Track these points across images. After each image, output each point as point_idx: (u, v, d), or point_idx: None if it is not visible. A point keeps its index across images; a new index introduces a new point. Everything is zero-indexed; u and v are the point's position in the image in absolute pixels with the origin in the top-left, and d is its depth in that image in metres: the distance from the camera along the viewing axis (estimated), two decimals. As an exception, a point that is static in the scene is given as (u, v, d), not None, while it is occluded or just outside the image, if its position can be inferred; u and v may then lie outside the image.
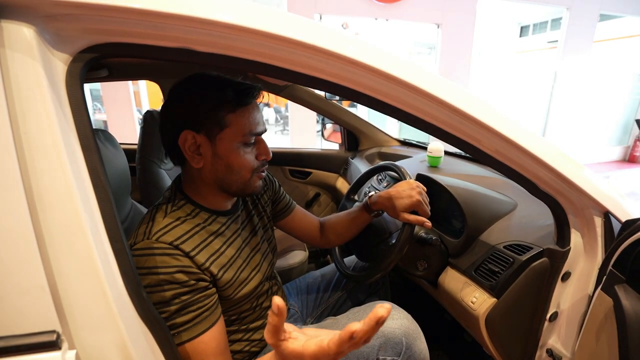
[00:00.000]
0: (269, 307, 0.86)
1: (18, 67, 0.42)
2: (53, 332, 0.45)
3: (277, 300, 0.40)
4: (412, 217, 0.90)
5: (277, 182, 1.01)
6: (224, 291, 0.73)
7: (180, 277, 0.64)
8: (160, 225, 0.67)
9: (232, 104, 0.69)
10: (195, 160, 0.71)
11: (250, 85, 0.72)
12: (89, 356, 0.48)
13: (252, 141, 0.74)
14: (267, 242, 0.91)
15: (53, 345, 0.44)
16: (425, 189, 0.96)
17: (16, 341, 0.44)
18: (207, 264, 0.69)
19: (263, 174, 0.79)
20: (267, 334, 0.43)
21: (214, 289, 0.71)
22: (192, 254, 0.67)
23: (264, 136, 0.78)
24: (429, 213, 0.92)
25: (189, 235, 0.69)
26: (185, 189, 0.76)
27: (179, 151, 0.71)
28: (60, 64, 0.46)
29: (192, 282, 0.66)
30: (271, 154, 0.77)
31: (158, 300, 0.63)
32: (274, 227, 1.02)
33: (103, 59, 0.50)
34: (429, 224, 0.89)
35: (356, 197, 1.28)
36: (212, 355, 0.66)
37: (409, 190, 0.92)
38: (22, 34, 0.42)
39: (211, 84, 0.71)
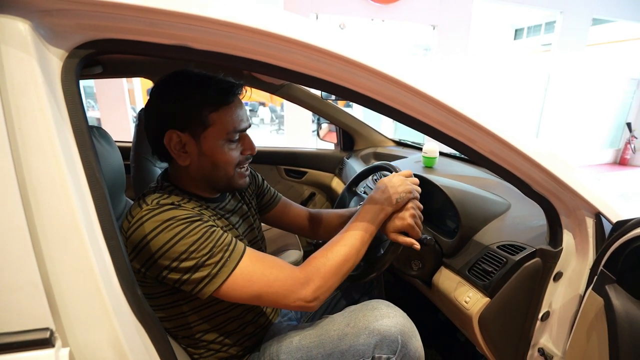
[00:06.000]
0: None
1: (13, 62, 0.41)
2: (46, 329, 0.44)
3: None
4: (401, 239, 0.86)
5: (260, 177, 1.04)
6: None
7: (197, 217, 0.66)
8: (154, 197, 0.68)
9: (215, 102, 0.70)
10: (182, 158, 0.72)
11: (232, 82, 0.72)
12: (82, 354, 0.48)
13: (237, 138, 0.75)
14: (256, 231, 0.93)
15: (46, 343, 0.44)
16: (419, 189, 0.97)
17: (9, 338, 0.43)
18: None
19: (245, 170, 0.80)
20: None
21: None
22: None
23: (251, 132, 0.79)
24: (420, 235, 0.88)
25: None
26: (172, 180, 0.77)
27: (165, 149, 0.72)
28: (55, 59, 0.46)
29: (207, 218, 0.68)
30: (256, 149, 0.79)
31: (194, 240, 0.63)
32: (265, 224, 1.04)
33: (99, 55, 0.50)
34: (417, 246, 0.86)
35: (357, 190, 1.29)
36: (265, 259, 0.69)
37: (403, 212, 0.89)
38: (17, 29, 0.41)
39: (193, 83, 0.71)
